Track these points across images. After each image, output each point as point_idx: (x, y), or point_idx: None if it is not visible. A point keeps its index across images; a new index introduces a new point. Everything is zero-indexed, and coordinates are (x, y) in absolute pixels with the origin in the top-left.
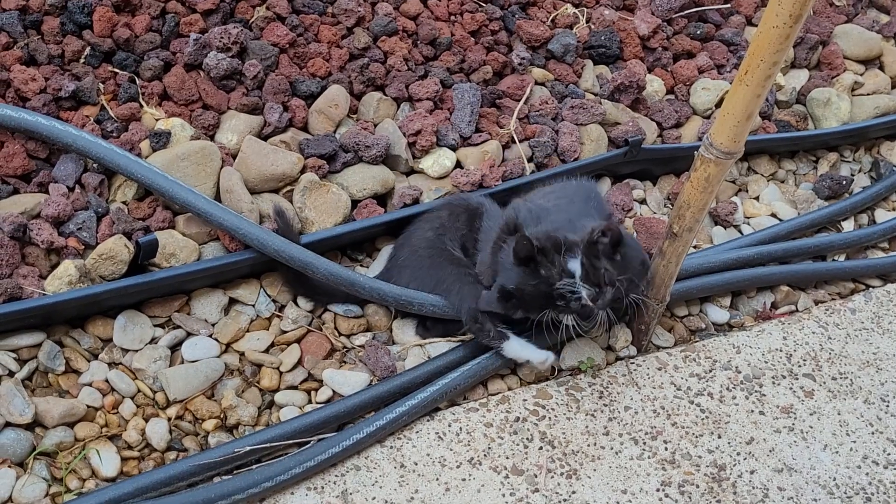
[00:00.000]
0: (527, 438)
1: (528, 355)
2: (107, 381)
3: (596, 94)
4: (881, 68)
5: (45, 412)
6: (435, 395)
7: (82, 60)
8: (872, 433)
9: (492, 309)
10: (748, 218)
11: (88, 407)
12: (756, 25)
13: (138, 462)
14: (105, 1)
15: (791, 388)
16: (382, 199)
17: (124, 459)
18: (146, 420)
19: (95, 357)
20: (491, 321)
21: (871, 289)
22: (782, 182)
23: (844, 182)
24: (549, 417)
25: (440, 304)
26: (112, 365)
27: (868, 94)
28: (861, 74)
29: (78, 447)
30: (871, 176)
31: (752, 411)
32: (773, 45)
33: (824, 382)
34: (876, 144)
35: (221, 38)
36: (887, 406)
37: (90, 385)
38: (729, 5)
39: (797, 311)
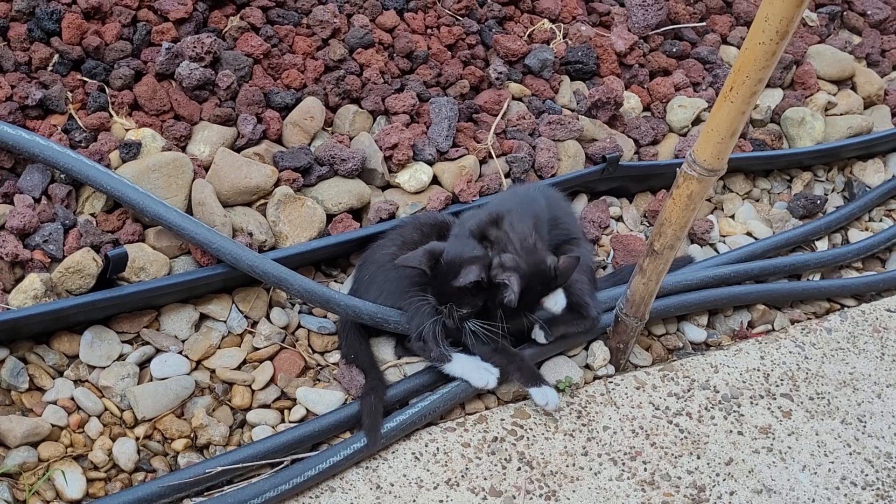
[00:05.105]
0: (505, 459)
1: (469, 377)
2: (72, 398)
3: (573, 110)
4: (853, 89)
5: (8, 431)
6: (414, 417)
7: (50, 68)
8: (850, 454)
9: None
10: (724, 236)
11: (53, 426)
12: (732, 44)
13: (105, 483)
14: (74, 8)
15: (769, 409)
16: (358, 213)
17: (90, 480)
18: (113, 440)
19: (60, 374)
20: (435, 341)
21: (846, 308)
22: (757, 201)
23: (818, 201)
24: (528, 437)
25: None
26: (78, 382)
27: (841, 115)
28: (834, 94)
29: (42, 468)
30: (844, 196)
31: (731, 431)
32: (760, 61)
33: (802, 402)
34: (849, 164)
35: (194, 47)
36: (864, 426)
37: (55, 403)
38: (704, 24)
39: (773, 330)
